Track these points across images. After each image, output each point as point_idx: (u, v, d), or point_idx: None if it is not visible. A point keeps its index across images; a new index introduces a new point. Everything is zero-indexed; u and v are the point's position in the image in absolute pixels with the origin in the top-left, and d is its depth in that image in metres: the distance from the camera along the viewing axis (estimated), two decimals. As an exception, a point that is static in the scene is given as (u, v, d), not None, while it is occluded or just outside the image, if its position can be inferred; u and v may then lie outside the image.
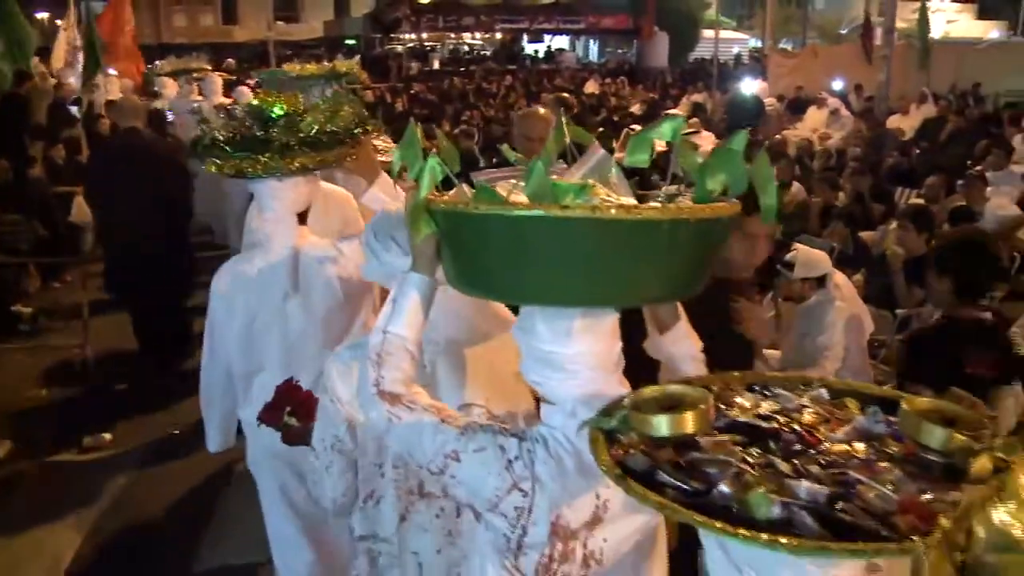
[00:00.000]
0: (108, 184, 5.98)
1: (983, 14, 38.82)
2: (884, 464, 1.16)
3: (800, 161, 9.25)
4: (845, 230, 6.13)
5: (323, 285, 2.82)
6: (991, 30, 40.58)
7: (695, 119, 10.78)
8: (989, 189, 7.44)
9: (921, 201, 7.01)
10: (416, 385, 1.76)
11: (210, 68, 10.21)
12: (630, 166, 1.68)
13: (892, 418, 1.28)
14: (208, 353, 2.96)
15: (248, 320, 2.83)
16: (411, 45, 28.96)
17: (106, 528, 4.28)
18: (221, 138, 2.65)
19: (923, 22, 13.58)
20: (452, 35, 29.76)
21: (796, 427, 1.27)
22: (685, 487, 1.16)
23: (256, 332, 2.83)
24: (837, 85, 15.56)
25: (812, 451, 1.21)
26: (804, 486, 1.12)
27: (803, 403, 1.35)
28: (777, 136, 10.63)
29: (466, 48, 31.48)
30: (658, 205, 1.58)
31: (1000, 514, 0.79)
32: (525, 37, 30.22)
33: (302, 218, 2.86)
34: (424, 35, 27.93)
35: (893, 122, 11.33)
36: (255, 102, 2.75)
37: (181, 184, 6.32)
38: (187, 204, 6.48)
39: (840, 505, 1.09)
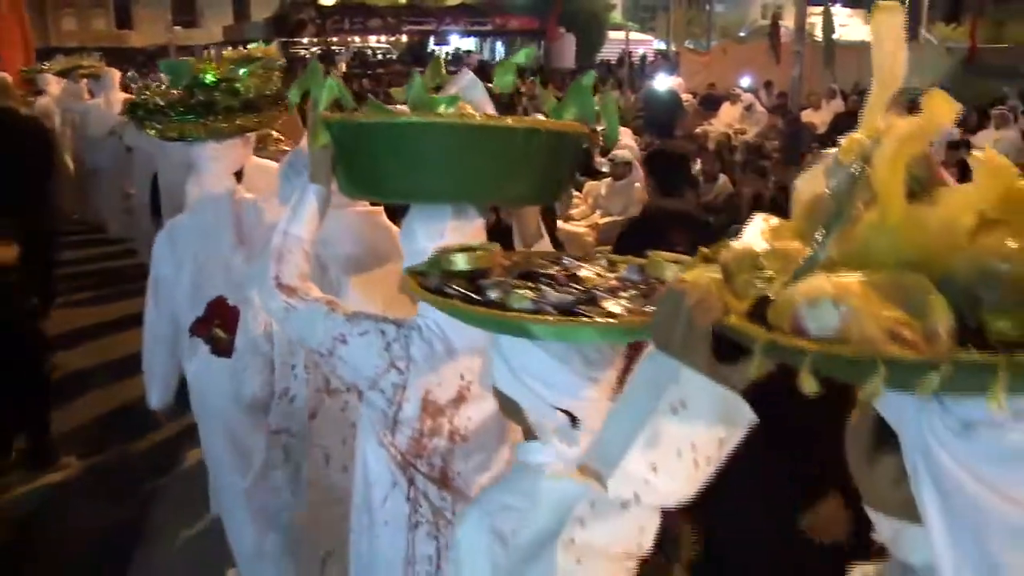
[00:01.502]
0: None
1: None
2: (627, 292, 1.40)
3: (720, 155, 9.24)
4: (776, 220, 6.05)
5: (264, 235, 2.95)
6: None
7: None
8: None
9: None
10: (309, 281, 1.98)
11: (101, 66, 9.61)
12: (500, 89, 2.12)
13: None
14: (153, 308, 3.10)
15: (196, 272, 2.98)
16: (315, 49, 28.31)
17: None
18: (163, 103, 2.77)
19: (827, 23, 14.18)
20: (358, 38, 29.17)
21: (570, 274, 1.53)
22: (465, 294, 1.43)
23: (203, 283, 2.96)
24: (745, 82, 15.91)
25: (573, 283, 1.46)
26: (555, 294, 1.38)
27: (585, 266, 1.58)
28: (697, 130, 10.73)
29: (371, 51, 30.99)
30: (519, 118, 1.91)
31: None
32: (432, 39, 29.88)
33: (237, 177, 3.03)
34: (329, 38, 27.26)
35: (805, 116, 11.59)
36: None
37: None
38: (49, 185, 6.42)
39: (581, 308, 1.33)
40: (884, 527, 0.92)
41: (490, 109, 2.01)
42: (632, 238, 3.87)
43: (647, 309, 1.30)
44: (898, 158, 0.79)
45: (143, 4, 32.90)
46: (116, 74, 9.26)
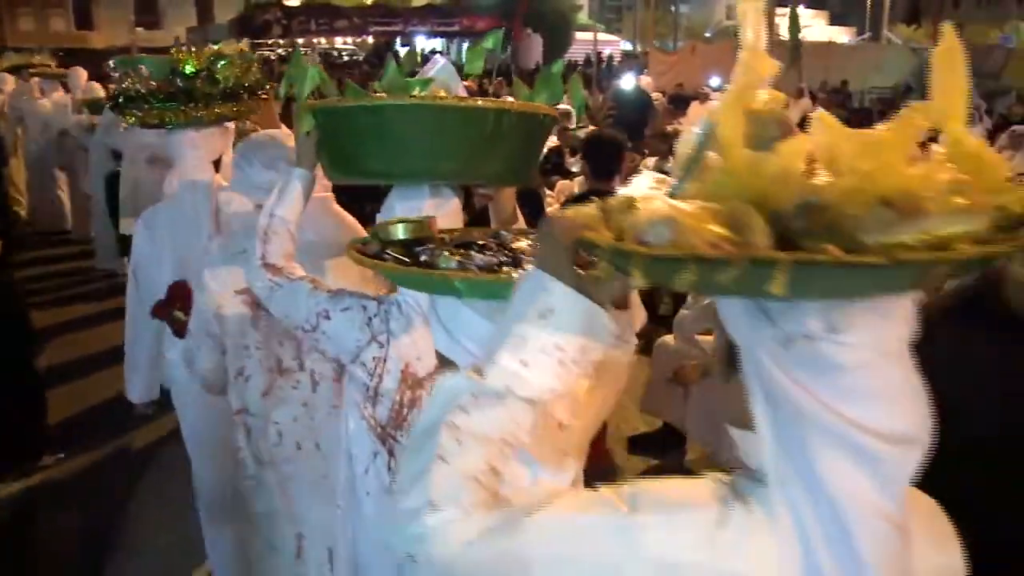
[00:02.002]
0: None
1: (834, 20, 41.16)
2: None
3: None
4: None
5: (233, 223, 3.04)
6: (841, 35, 43.07)
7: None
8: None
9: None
10: (293, 261, 2.09)
11: (53, 64, 9.43)
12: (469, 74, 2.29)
13: None
14: (135, 296, 3.18)
15: (175, 260, 3.05)
16: (281, 51, 28.05)
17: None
18: (144, 91, 2.86)
19: (794, 23, 14.41)
20: (324, 39, 28.93)
21: (502, 244, 1.64)
22: (398, 258, 1.58)
23: (183, 271, 3.00)
24: (715, 82, 15.96)
25: (503, 251, 1.58)
26: (481, 257, 1.50)
27: (521, 239, 1.70)
28: (668, 129, 10.86)
29: (337, 52, 30.78)
30: (491, 100, 2.05)
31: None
32: (398, 40, 29.73)
33: (216, 167, 3.09)
34: (295, 39, 27.01)
35: (773, 114, 11.64)
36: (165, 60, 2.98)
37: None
38: None
39: (505, 269, 1.45)
40: (740, 439, 1.00)
41: (462, 92, 2.11)
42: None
43: None
44: (732, 111, 0.92)
45: (104, 5, 32.51)
46: (83, 72, 9.08)
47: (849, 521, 0.89)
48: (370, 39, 29.80)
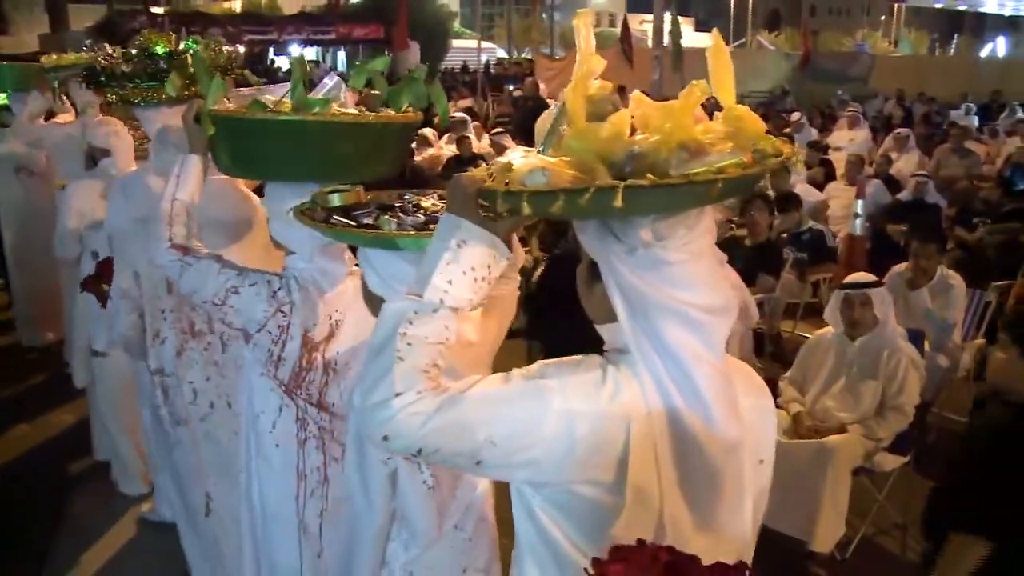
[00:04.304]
0: None
1: (699, 27, 42.81)
2: None
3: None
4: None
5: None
6: (707, 41, 44.78)
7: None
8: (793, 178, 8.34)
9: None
10: (197, 240, 2.36)
11: None
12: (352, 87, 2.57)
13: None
14: (118, 262, 3.32)
15: (145, 229, 3.17)
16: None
17: None
18: (126, 70, 3.01)
19: (675, 29, 14.95)
20: (195, 48, 28.00)
21: (415, 204, 1.99)
22: (345, 222, 1.88)
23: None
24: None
25: (418, 210, 1.93)
26: (411, 218, 1.86)
27: (422, 198, 2.04)
28: None
29: (210, 61, 29.81)
30: (376, 114, 2.37)
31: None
32: (271, 49, 29.05)
33: None
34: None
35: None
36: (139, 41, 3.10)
37: None
38: None
39: (431, 227, 1.76)
40: (604, 332, 1.42)
41: (351, 106, 2.43)
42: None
43: None
44: (577, 94, 1.32)
45: (-59, 11, 30.29)
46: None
47: (689, 369, 1.30)
48: (241, 48, 29.00)
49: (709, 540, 1.35)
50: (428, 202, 2.00)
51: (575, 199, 1.19)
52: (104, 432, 4.42)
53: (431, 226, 1.77)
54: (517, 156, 1.35)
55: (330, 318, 2.30)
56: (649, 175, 1.20)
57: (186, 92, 3.01)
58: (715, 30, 1.49)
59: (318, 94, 2.39)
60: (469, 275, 1.31)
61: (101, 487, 4.38)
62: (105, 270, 3.24)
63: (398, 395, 1.26)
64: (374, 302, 1.87)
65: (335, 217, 1.91)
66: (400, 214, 1.87)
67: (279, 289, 2.24)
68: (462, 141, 10.11)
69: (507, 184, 1.27)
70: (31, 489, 4.51)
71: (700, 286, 1.31)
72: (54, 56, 5.13)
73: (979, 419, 3.37)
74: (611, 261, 1.31)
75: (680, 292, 1.29)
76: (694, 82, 1.29)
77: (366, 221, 1.86)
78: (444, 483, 1.92)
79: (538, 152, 1.33)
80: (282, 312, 2.23)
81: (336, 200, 1.97)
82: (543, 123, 1.39)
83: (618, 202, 1.17)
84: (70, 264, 4.83)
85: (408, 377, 1.27)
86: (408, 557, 1.94)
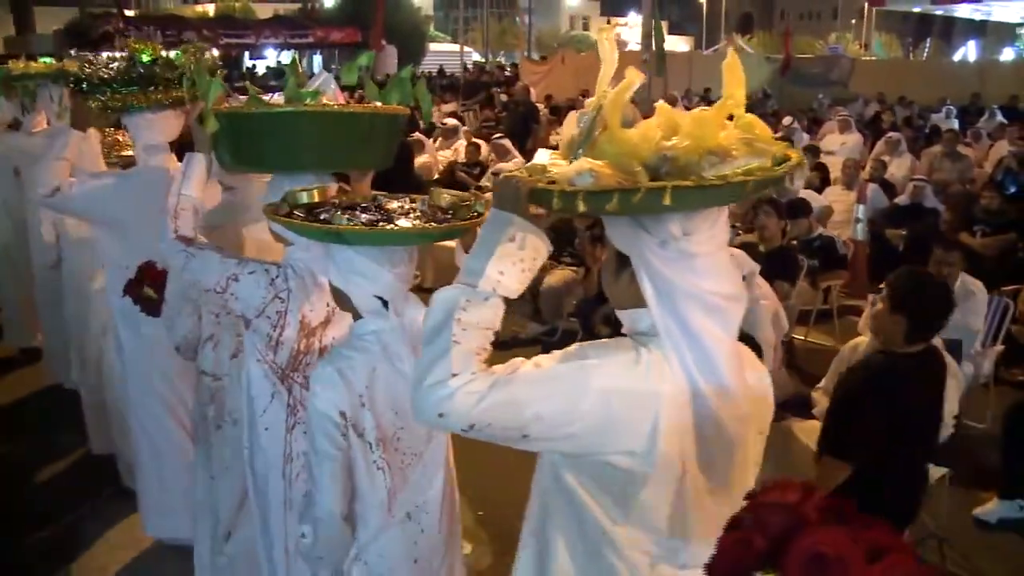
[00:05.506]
0: None
1: (672, 30, 43.00)
2: (415, 214, 2.00)
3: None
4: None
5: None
6: (680, 44, 44.84)
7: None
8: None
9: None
10: (199, 233, 2.49)
11: None
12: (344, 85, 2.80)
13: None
14: (123, 253, 3.38)
15: (136, 233, 3.29)
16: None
17: None
18: (108, 76, 3.10)
19: (658, 33, 15.05)
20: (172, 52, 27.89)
21: (378, 205, 2.06)
22: (304, 217, 2.01)
23: (141, 247, 3.20)
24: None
25: (379, 210, 2.01)
26: (366, 216, 1.95)
27: (392, 201, 2.11)
28: (551, 140, 11.21)
29: (185, 65, 29.65)
30: (363, 105, 2.53)
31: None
32: (247, 53, 29.02)
33: (172, 148, 3.38)
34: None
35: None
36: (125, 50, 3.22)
37: None
38: None
39: (380, 224, 1.92)
40: (625, 317, 1.55)
41: (341, 100, 2.53)
42: None
43: (427, 224, 1.96)
44: (616, 104, 1.44)
45: None
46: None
47: (711, 350, 1.45)
48: (216, 52, 28.88)
49: (721, 500, 1.51)
50: (394, 204, 2.09)
51: (628, 198, 1.33)
52: (99, 427, 4.45)
53: (381, 223, 1.92)
54: (546, 158, 1.52)
55: (327, 304, 2.40)
56: (691, 176, 1.37)
57: (174, 96, 3.16)
58: (730, 49, 1.68)
59: (309, 88, 2.53)
60: (518, 266, 1.44)
61: (98, 487, 4.42)
62: (148, 273, 3.18)
63: (455, 375, 1.38)
64: (339, 295, 2.04)
65: (296, 213, 2.05)
66: (357, 212, 1.99)
67: (277, 277, 2.35)
68: (472, 147, 10.83)
69: (553, 184, 1.41)
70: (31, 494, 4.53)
71: (720, 275, 1.46)
72: (21, 64, 5.04)
73: (858, 363, 3.51)
74: (643, 253, 1.44)
75: (703, 281, 1.43)
76: (725, 95, 1.47)
77: (323, 217, 1.99)
78: (395, 469, 2.04)
79: (575, 154, 1.47)
80: (279, 299, 2.35)
81: (304, 198, 2.10)
82: (569, 129, 1.53)
83: (667, 200, 1.32)
84: (47, 269, 4.88)
85: (464, 359, 1.39)
86: (361, 542, 2.05)
